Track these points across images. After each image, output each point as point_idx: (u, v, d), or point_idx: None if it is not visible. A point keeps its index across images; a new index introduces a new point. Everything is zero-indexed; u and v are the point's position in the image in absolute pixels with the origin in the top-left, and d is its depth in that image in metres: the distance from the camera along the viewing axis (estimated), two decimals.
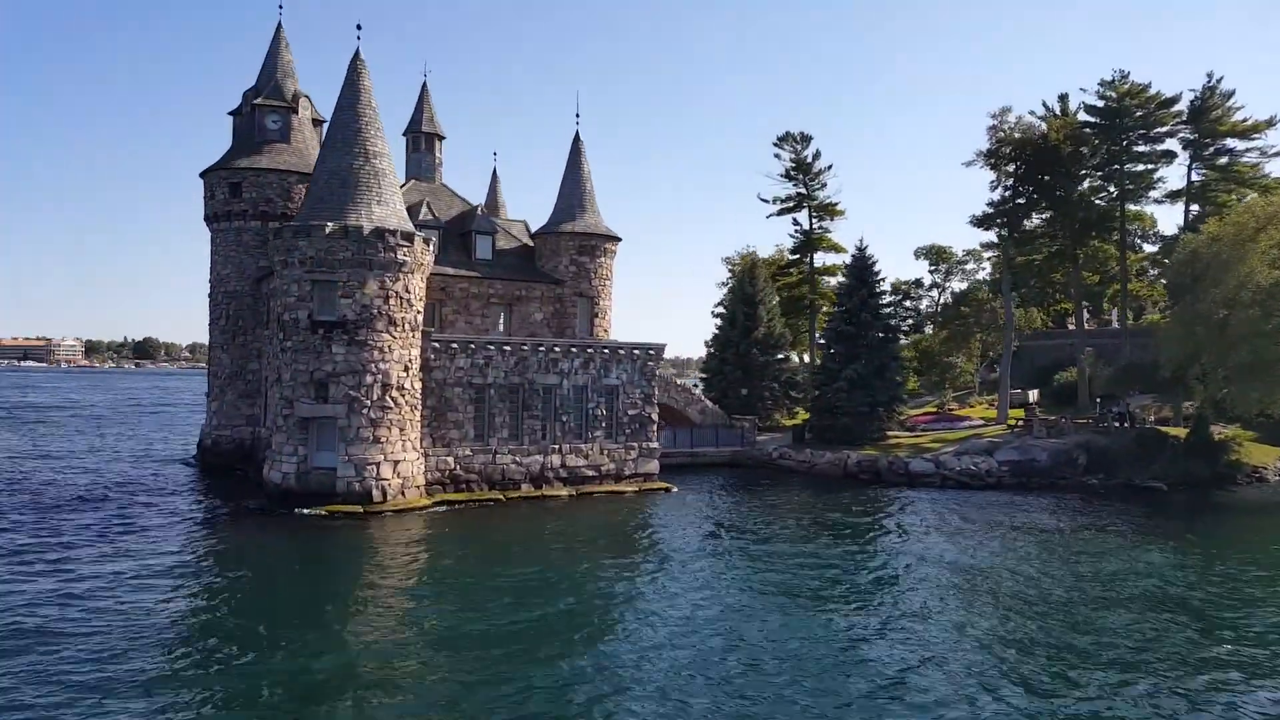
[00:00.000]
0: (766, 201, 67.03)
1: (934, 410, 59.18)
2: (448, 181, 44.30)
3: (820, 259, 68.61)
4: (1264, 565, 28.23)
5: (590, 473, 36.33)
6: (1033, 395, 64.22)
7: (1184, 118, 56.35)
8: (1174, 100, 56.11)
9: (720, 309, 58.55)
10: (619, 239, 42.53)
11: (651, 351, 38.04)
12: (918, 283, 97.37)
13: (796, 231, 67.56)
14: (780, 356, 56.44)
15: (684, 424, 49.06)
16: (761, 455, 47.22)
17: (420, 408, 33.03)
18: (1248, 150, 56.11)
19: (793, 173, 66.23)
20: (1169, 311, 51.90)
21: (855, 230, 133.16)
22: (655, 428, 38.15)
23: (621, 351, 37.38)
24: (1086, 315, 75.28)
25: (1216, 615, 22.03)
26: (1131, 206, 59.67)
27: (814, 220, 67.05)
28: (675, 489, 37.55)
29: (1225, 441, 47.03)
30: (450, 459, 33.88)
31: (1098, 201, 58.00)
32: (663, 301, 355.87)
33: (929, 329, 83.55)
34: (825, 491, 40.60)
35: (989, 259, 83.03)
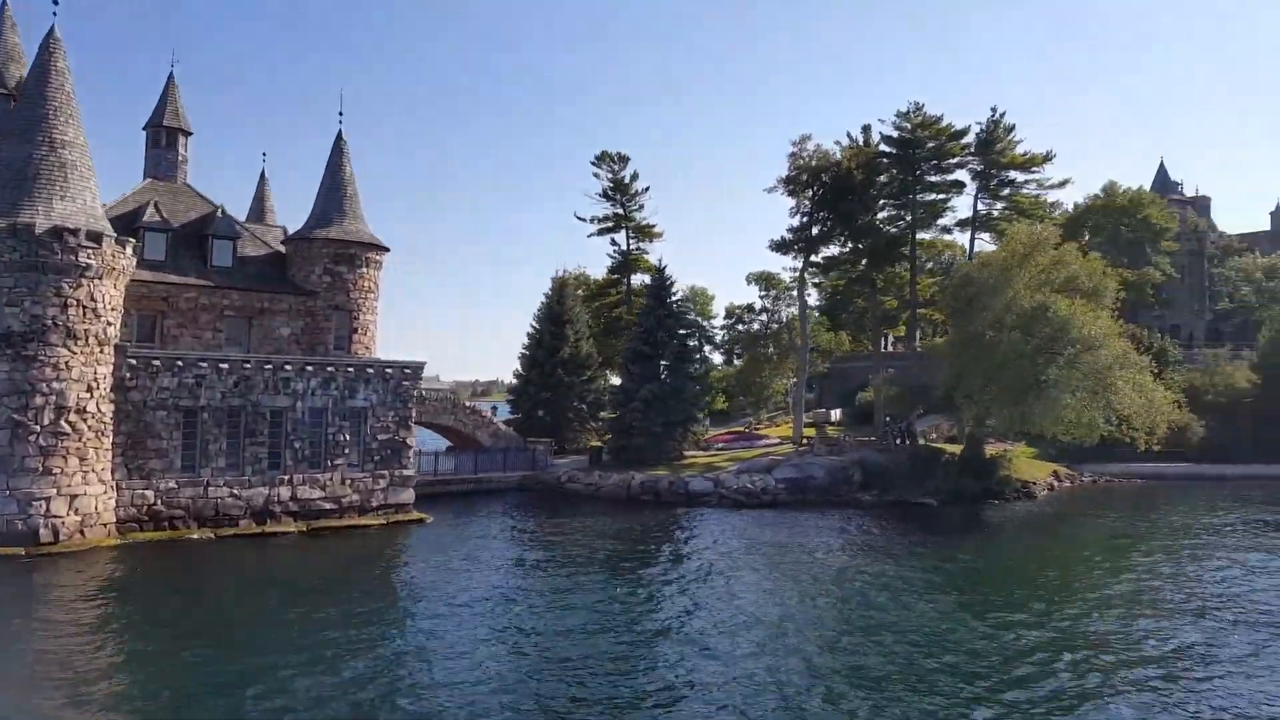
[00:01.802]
0: (584, 220, 64.45)
1: (736, 431, 57.48)
2: (204, 183, 39.46)
3: (642, 280, 66.52)
4: (1006, 577, 27.99)
5: (328, 505, 31.77)
6: (835, 415, 63.73)
7: (971, 149, 57.14)
8: (963, 133, 56.66)
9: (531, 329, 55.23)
10: (384, 248, 38.35)
11: (408, 370, 34.01)
12: (749, 307, 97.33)
13: (615, 252, 65.22)
14: (587, 377, 53.42)
15: (475, 448, 45.31)
16: (551, 479, 43.84)
17: (111, 434, 27.97)
18: (1027, 182, 57.30)
19: (611, 193, 63.85)
20: (946, 334, 52.03)
21: (681, 254, 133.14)
22: (411, 453, 34.09)
23: (371, 370, 33.16)
24: (893, 338, 76.11)
25: (952, 626, 21.11)
26: (924, 235, 60.13)
27: (631, 241, 64.88)
28: (430, 520, 33.46)
29: (996, 458, 46.89)
30: (149, 493, 28.64)
31: (892, 229, 58.04)
32: (485, 322, 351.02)
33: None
34: (603, 515, 37.48)
35: (815, 284, 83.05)
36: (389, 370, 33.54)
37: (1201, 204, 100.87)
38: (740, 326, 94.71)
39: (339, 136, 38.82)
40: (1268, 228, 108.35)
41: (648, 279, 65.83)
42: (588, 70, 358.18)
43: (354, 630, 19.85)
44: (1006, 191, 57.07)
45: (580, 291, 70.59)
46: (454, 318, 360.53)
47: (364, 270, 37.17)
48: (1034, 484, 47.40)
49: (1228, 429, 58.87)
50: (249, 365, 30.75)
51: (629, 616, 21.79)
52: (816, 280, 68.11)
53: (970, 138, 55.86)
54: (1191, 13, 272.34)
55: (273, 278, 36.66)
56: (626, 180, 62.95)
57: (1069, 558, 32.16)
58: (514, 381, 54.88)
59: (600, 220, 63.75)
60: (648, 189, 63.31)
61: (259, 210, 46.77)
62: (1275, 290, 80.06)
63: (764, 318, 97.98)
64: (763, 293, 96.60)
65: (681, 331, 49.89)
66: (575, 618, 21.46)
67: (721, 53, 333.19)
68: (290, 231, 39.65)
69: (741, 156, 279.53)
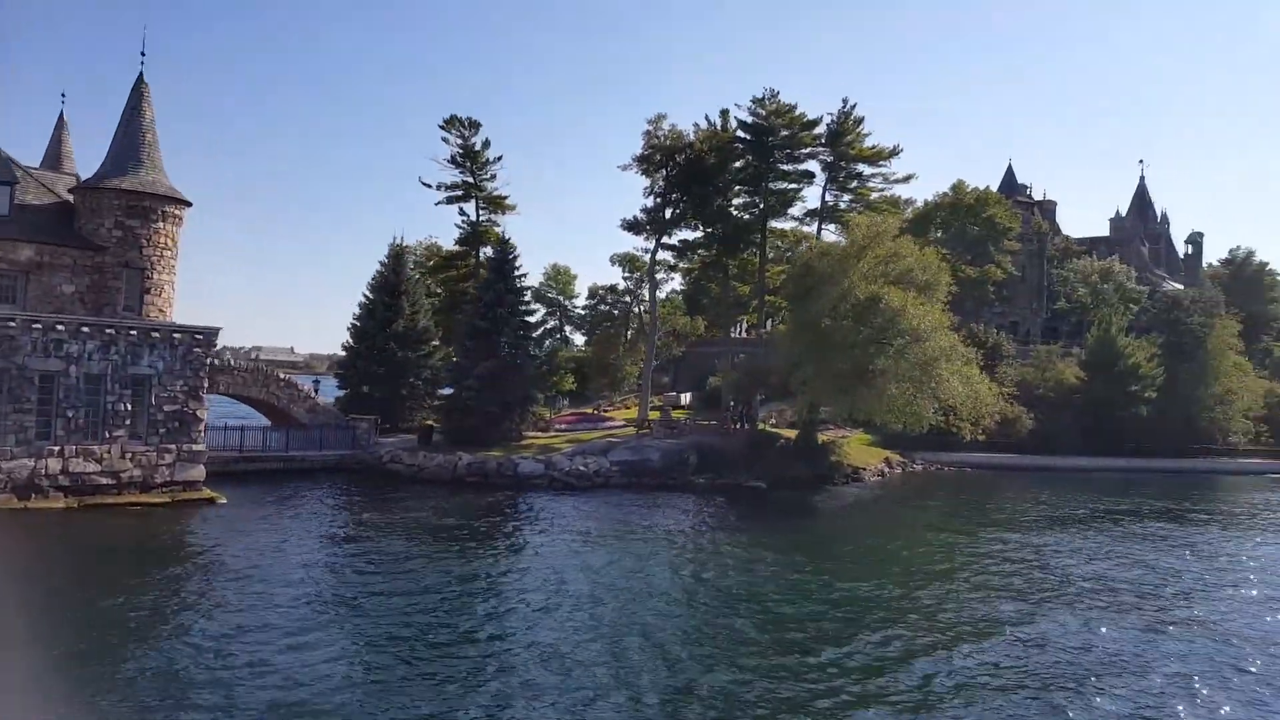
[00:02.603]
0: (430, 187, 62.60)
1: (581, 412, 57.43)
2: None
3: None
4: (821, 557, 28.98)
5: (105, 481, 29.50)
6: (685, 398, 64.73)
7: (823, 140, 58.78)
8: (815, 123, 58.14)
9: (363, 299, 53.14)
10: (185, 202, 35.82)
11: (199, 336, 31.92)
12: (612, 288, 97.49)
13: (464, 222, 63.75)
14: (424, 352, 51.98)
15: (290, 423, 43.29)
16: (373, 459, 42.42)
17: None
18: (874, 175, 59.49)
19: (460, 159, 62.24)
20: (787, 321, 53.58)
21: (547, 232, 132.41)
22: (202, 427, 32.12)
23: (157, 335, 30.90)
24: (748, 325, 77.98)
25: (754, 596, 22.82)
26: (776, 224, 61.63)
27: (482, 212, 63.55)
28: (224, 500, 31.64)
29: (828, 444, 48.72)
30: None
31: (745, 216, 59.20)
32: (325, 291, 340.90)
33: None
34: (423, 498, 36.45)
35: (682, 268, 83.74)
36: (177, 335, 31.39)
37: (1048, 207, 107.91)
38: (603, 307, 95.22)
39: (140, 79, 35.98)
40: (1107, 234, 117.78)
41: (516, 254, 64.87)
42: (452, 42, 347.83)
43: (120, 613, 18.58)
44: (854, 184, 58.94)
45: (430, 263, 69.12)
46: (287, 285, 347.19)
47: (160, 225, 34.69)
48: (864, 470, 49.57)
49: (1056, 423, 63.33)
50: (14, 324, 28.10)
51: (433, 605, 21.14)
52: (673, 264, 68.93)
53: (822, 128, 57.43)
54: (1046, 25, 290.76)
55: (55, 230, 33.73)
56: (478, 147, 61.50)
57: (877, 538, 34.34)
58: (343, 355, 52.71)
59: (448, 188, 62.10)
60: (500, 158, 62.10)
61: (55, 156, 42.89)
62: (1107, 293, 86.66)
63: (627, 299, 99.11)
64: (626, 274, 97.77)
65: (524, 307, 49.20)
66: (367, 604, 20.78)
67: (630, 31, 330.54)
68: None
69: (612, 134, 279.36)
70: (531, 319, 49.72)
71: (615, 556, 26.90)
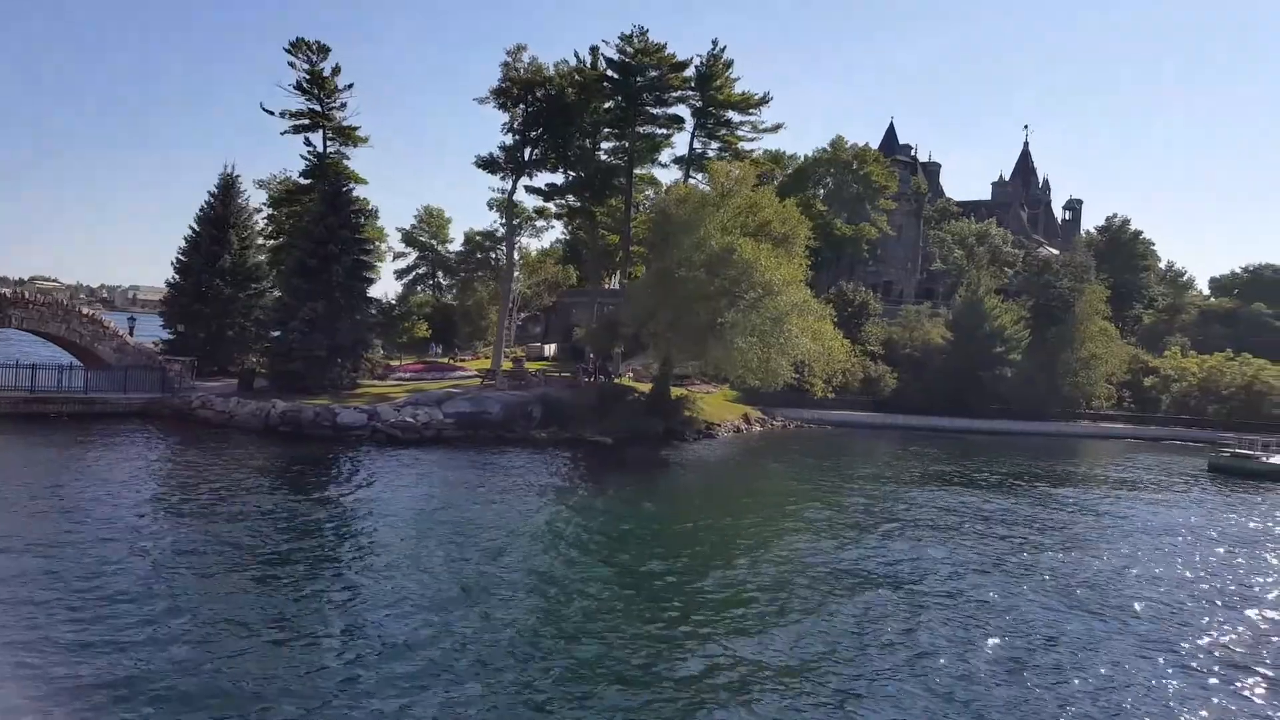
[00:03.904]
0: (272, 114, 59.05)
1: (429, 361, 55.90)
2: None
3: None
4: (647, 512, 29.10)
5: None
6: (550, 349, 64.00)
7: (692, 84, 58.15)
8: (684, 65, 57.32)
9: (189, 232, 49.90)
10: None
11: None
12: (490, 234, 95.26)
13: (310, 154, 60.55)
14: (254, 291, 49.39)
15: (95, 364, 40.49)
16: (182, 404, 40.11)
17: None
18: (743, 123, 59.31)
19: (307, 86, 58.82)
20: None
21: (426, 173, 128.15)
22: None
23: None
24: (619, 275, 77.47)
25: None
26: (643, 170, 60.94)
27: (330, 144, 60.45)
28: None
29: (681, 399, 48.81)
30: None
31: (611, 160, 58.30)
32: (157, 223, 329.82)
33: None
34: (224, 448, 34.41)
35: (573, 221, 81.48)
36: None
37: (932, 169, 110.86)
38: (479, 254, 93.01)
39: None
40: (989, 197, 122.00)
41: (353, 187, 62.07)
42: None
43: None
44: (723, 132, 58.65)
45: (275, 196, 65.57)
46: (109, 215, 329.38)
47: None
48: (718, 426, 49.93)
49: (922, 382, 65.28)
50: None
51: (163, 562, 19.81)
52: (542, 209, 67.56)
53: (691, 71, 56.75)
54: None
55: None
56: (326, 74, 58.21)
57: (717, 493, 34.59)
58: (170, 293, 49.57)
59: (294, 115, 58.72)
60: (350, 86, 58.67)
61: None
62: (981, 255, 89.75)
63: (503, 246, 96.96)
64: (503, 220, 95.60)
65: (361, 245, 47.08)
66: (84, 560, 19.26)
67: None
68: None
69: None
70: (368, 257, 47.42)
71: (419, 520, 25.80)
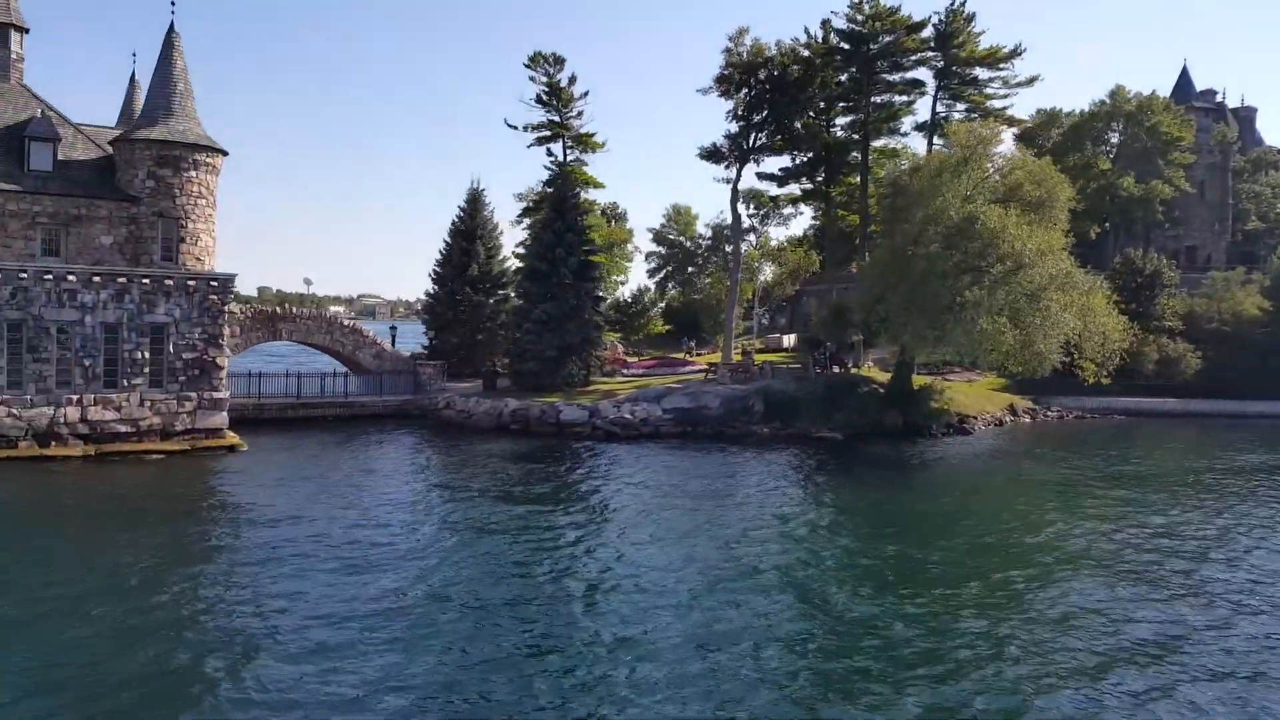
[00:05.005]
0: (515, 128, 60.45)
1: (659, 356, 54.12)
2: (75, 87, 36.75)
3: (587, 196, 62.64)
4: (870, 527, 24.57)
5: (125, 428, 29.62)
6: (788, 340, 60.13)
7: (931, 44, 51.71)
8: (921, 25, 51.12)
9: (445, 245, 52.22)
10: (222, 151, 35.42)
11: (214, 283, 31.39)
12: (747, 227, 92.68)
13: (551, 163, 61.37)
14: (501, 296, 50.51)
15: (359, 370, 43.06)
16: (430, 405, 41.42)
17: None
18: (992, 80, 51.77)
19: (546, 98, 59.64)
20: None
21: (646, 166, 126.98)
22: (223, 374, 31.68)
23: (171, 283, 30.60)
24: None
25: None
26: (882, 142, 55.21)
27: (569, 152, 60.88)
28: (246, 447, 31.13)
29: (926, 389, 42.99)
30: None
31: (843, 135, 53.39)
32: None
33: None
34: (450, 445, 35.12)
35: (810, 204, 77.45)
36: (191, 283, 31.00)
37: (1245, 115, 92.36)
38: (727, 247, 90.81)
39: (170, 28, 35.65)
40: None
41: (591, 193, 62.18)
42: None
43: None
44: (969, 91, 51.56)
45: (528, 206, 67.41)
46: (385, 231, 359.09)
47: (193, 174, 34.38)
48: (974, 419, 43.58)
49: (1233, 361, 53.84)
50: (25, 275, 28.49)
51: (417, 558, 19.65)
52: (774, 194, 63.68)
53: (929, 31, 50.41)
54: None
55: (94, 183, 34.15)
56: (563, 84, 58.54)
57: (957, 507, 27.96)
58: (428, 302, 52.13)
59: (535, 128, 59.67)
60: (587, 94, 58.76)
61: (129, 114, 44.05)
62: None
63: (751, 238, 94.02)
64: (750, 212, 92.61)
65: (586, 247, 46.32)
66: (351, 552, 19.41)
67: None
68: None
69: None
70: (595, 258, 46.54)
71: (603, 518, 23.96)
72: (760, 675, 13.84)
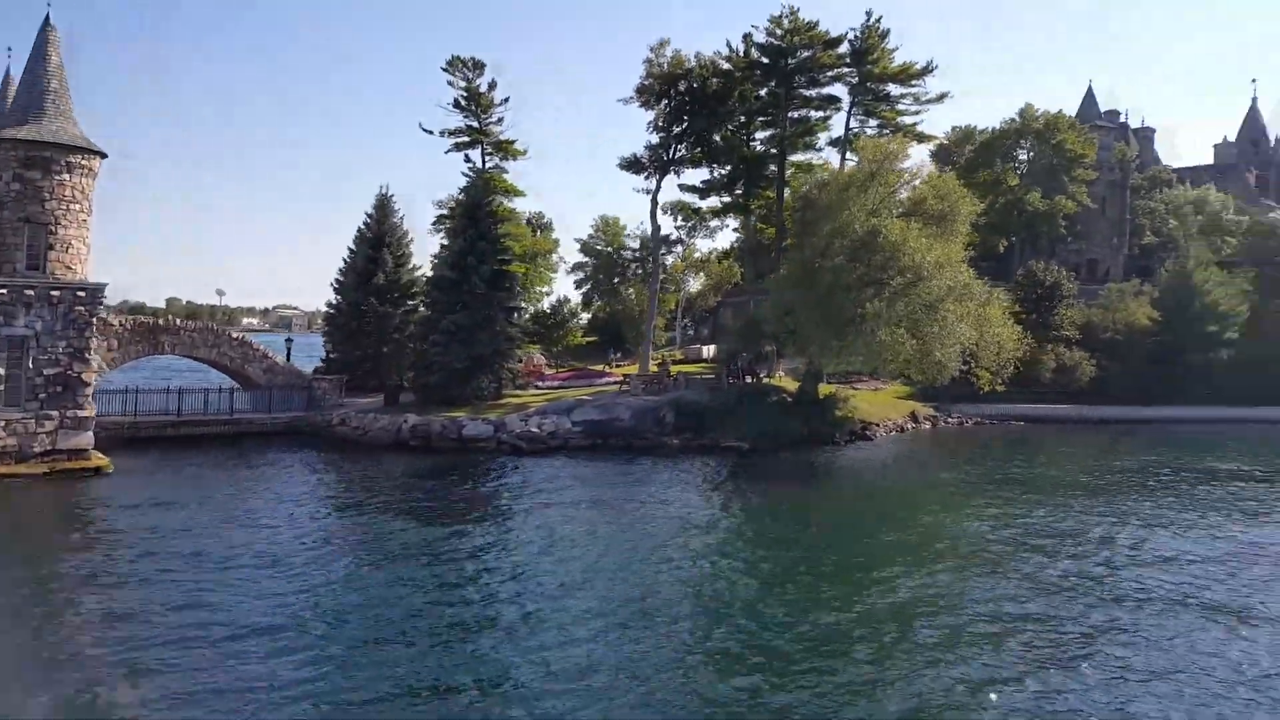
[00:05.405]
0: (431, 133, 58.64)
1: (577, 368, 53.03)
2: None
3: (502, 202, 61.04)
4: (754, 537, 24.63)
5: None
6: (708, 351, 59.65)
7: (847, 60, 51.77)
8: (838, 41, 51.10)
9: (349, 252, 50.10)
10: (100, 154, 32.98)
11: (81, 294, 29.12)
12: (665, 238, 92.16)
13: (469, 169, 59.71)
14: (408, 308, 48.64)
15: (251, 386, 40.74)
16: (323, 422, 39.41)
17: None
18: (903, 96, 52.09)
19: (465, 103, 57.97)
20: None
21: (575, 178, 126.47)
22: (89, 391, 29.34)
23: (32, 293, 28.31)
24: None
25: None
26: (800, 157, 55.10)
27: (488, 159, 59.33)
28: (113, 469, 28.72)
29: (831, 398, 42.77)
30: None
31: (761, 148, 53.16)
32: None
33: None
34: (342, 463, 33.41)
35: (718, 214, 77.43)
36: (56, 293, 28.66)
37: (1145, 135, 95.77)
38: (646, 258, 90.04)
39: (46, 21, 33.04)
40: (1212, 162, 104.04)
41: (517, 202, 60.54)
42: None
43: None
44: (882, 108, 51.81)
45: (444, 215, 65.56)
46: (303, 241, 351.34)
47: (65, 177, 31.84)
48: (877, 426, 43.60)
49: (1124, 369, 55.39)
50: None
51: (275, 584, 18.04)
52: (696, 206, 63.15)
53: (845, 47, 50.49)
54: None
55: None
56: (483, 89, 57.01)
57: (852, 511, 28.67)
58: (329, 313, 49.99)
59: (453, 133, 57.94)
60: (507, 100, 57.25)
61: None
62: (1202, 224, 75.90)
63: (679, 249, 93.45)
64: (678, 224, 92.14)
65: (502, 256, 44.91)
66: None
67: None
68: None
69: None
70: (506, 269, 45.14)
71: (470, 540, 22.70)
72: (660, 679, 14.08)
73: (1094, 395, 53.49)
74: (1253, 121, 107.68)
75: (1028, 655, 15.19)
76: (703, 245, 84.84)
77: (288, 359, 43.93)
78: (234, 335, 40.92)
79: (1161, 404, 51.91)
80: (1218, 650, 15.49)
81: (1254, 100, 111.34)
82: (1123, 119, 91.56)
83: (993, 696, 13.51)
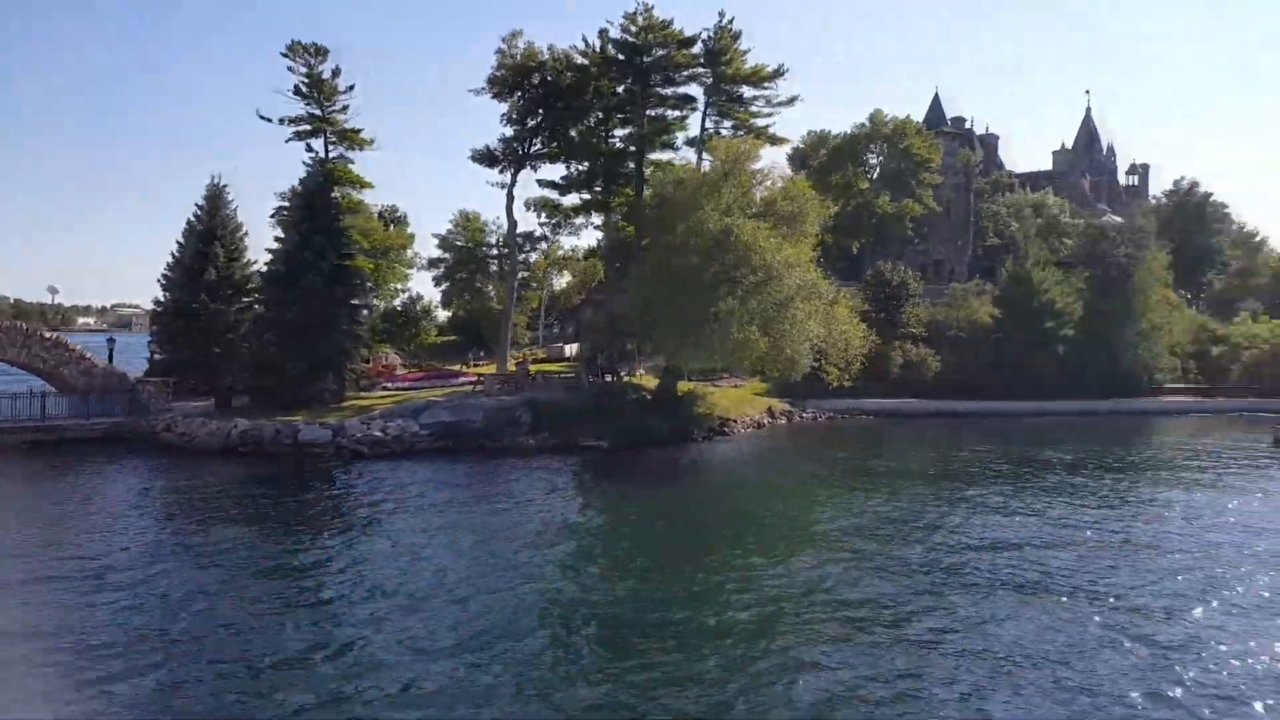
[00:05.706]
0: (269, 121, 55.09)
1: (433, 368, 51.15)
2: None
3: (349, 194, 57.95)
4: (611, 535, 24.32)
5: None
6: (570, 350, 58.91)
7: (701, 60, 51.87)
8: (692, 40, 50.94)
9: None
10: None
11: None
12: (529, 235, 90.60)
13: (310, 159, 56.43)
14: (243, 305, 45.37)
15: (69, 391, 37.00)
16: (146, 428, 36.18)
17: None
18: (756, 98, 52.67)
19: (306, 90, 54.72)
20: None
21: (432, 172, 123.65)
22: None
23: None
24: None
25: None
26: (657, 155, 54.83)
27: (332, 149, 56.26)
28: None
29: (689, 395, 42.78)
30: None
31: (619, 146, 52.55)
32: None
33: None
34: (173, 472, 30.47)
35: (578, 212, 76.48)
36: None
37: (989, 141, 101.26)
38: (520, 256, 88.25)
39: None
40: (1050, 168, 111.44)
41: (361, 193, 57.72)
42: None
43: None
44: (736, 109, 52.14)
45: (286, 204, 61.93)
46: (143, 236, 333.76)
47: None
48: (735, 422, 43.85)
49: (969, 365, 58.00)
50: None
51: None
52: (557, 202, 62.10)
53: (699, 47, 50.46)
54: None
55: None
56: (326, 76, 53.97)
57: (709, 505, 28.69)
58: (155, 311, 46.13)
59: (293, 121, 54.61)
60: (352, 88, 54.15)
61: None
62: (1033, 227, 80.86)
63: (543, 245, 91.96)
64: (542, 220, 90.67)
65: (344, 251, 42.54)
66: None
67: None
68: None
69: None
70: (348, 264, 42.78)
71: (301, 551, 21.03)
72: (513, 681, 13.83)
73: (940, 390, 55.78)
74: (1087, 130, 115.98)
75: (884, 639, 15.65)
76: (568, 243, 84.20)
77: (110, 361, 40.25)
78: (46, 335, 37.12)
79: (1002, 398, 54.60)
80: (1024, 626, 16.30)
81: (1088, 110, 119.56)
82: (968, 125, 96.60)
83: (841, 675, 13.95)
